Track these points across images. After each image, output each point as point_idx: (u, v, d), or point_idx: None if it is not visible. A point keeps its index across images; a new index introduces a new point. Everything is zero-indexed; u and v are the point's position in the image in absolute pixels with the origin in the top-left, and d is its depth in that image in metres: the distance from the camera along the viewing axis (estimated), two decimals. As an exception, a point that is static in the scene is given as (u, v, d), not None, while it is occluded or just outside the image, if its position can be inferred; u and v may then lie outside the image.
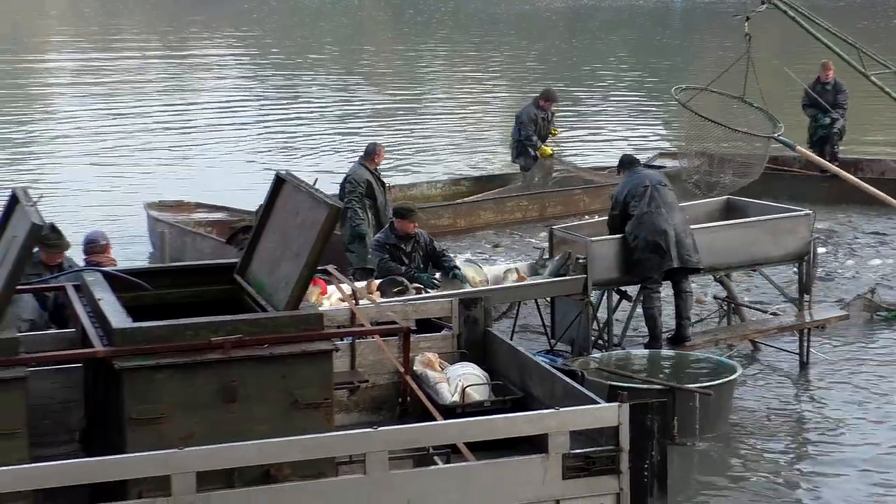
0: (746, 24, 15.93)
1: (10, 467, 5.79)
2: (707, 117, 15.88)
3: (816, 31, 16.60)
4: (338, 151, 25.75)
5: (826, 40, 16.55)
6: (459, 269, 12.51)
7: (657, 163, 20.96)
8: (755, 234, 13.07)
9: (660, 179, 12.95)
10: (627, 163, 13.23)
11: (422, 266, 12.64)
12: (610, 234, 12.64)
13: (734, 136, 15.66)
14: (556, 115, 20.74)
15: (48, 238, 10.34)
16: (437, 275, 12.51)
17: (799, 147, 16.72)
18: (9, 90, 36.26)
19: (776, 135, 15.89)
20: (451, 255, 13.04)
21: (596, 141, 27.27)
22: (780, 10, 16.27)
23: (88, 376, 7.15)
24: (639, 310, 12.83)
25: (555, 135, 20.28)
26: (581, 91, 34.90)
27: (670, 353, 12.15)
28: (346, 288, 9.04)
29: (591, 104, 32.91)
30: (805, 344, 13.10)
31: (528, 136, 19.71)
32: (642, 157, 22.60)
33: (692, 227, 12.70)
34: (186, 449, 5.88)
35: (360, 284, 11.53)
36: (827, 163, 17.82)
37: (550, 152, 20.06)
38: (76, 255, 11.43)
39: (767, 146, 16.00)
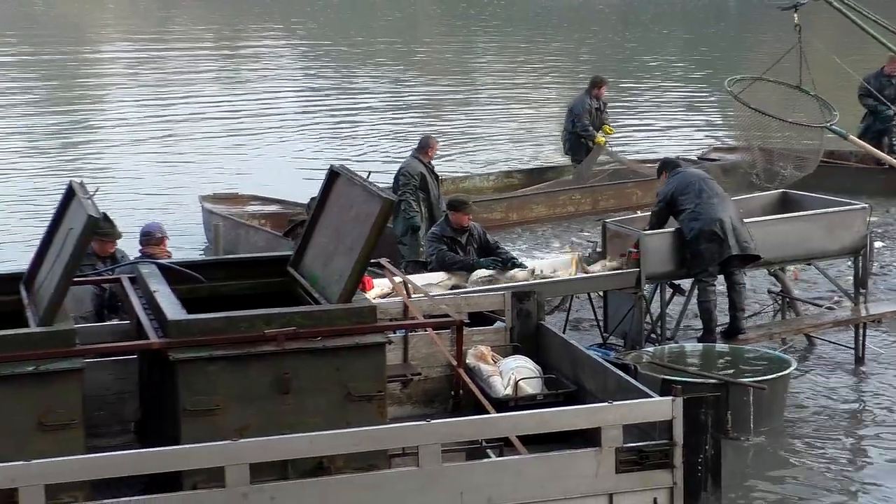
0: (796, 15, 15.87)
1: (67, 458, 5.83)
2: (758, 109, 15.83)
3: (864, 24, 16.51)
4: (391, 144, 25.77)
5: (873, 32, 16.44)
6: (518, 260, 12.61)
7: (712, 156, 20.87)
8: (811, 227, 12.98)
9: (705, 175, 12.94)
10: (669, 165, 13.22)
11: (476, 258, 12.67)
12: (654, 229, 12.59)
13: (787, 126, 15.60)
14: (607, 105, 20.60)
15: (100, 227, 10.41)
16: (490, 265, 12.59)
17: (852, 136, 16.63)
18: (65, 81, 36.53)
19: (829, 124, 15.81)
20: (506, 248, 13.05)
21: (648, 134, 27.16)
22: (828, 2, 16.18)
23: (143, 368, 7.21)
24: (692, 303, 12.78)
25: (609, 133, 20.18)
26: (634, 83, 34.77)
27: (724, 347, 12.09)
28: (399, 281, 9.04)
29: (644, 97, 32.77)
30: (861, 338, 13.00)
31: (584, 128, 19.60)
32: (696, 150, 22.62)
33: (747, 220, 12.64)
34: (240, 440, 5.91)
35: (413, 277, 11.54)
36: (881, 153, 17.66)
37: (604, 141, 19.98)
38: (132, 245, 11.51)
39: (822, 136, 15.90)
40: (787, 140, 15.86)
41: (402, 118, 29.46)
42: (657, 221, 12.67)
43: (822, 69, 20.61)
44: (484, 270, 12.36)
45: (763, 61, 16.78)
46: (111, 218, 10.83)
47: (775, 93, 16.11)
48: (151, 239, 11.20)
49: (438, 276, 12.36)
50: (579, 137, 19.69)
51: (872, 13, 16.79)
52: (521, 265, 12.49)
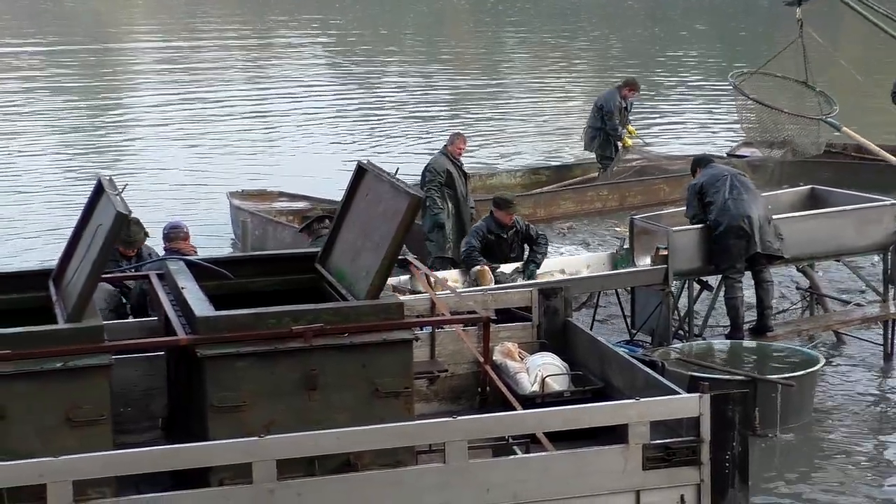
0: (798, 10, 15.93)
1: (95, 454, 5.85)
2: (756, 99, 15.95)
3: (878, 20, 16.56)
4: (420, 140, 25.78)
5: (885, 26, 16.47)
6: (536, 266, 12.76)
7: (741, 152, 20.79)
8: (840, 223, 12.93)
9: (737, 171, 12.92)
10: (702, 161, 13.20)
11: (518, 253, 12.99)
12: (689, 224, 12.57)
13: (784, 117, 15.74)
14: (634, 105, 20.59)
15: (129, 227, 10.44)
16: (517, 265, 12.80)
17: (845, 128, 16.75)
18: (94, 77, 36.66)
19: (825, 117, 15.93)
20: (545, 242, 13.07)
21: (676, 130, 27.11)
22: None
23: (171, 364, 7.22)
24: (719, 300, 12.75)
25: (633, 134, 20.18)
26: (662, 79, 34.71)
27: (752, 343, 12.06)
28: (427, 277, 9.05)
29: (673, 92, 32.72)
30: (890, 335, 12.94)
31: (614, 127, 19.57)
32: (725, 146, 22.56)
33: (776, 216, 12.60)
34: (267, 437, 5.92)
35: (441, 274, 11.55)
36: (874, 146, 17.64)
37: (630, 143, 20.00)
38: (158, 241, 11.53)
39: (819, 126, 16.04)
40: (784, 128, 16.06)
41: (431, 114, 29.48)
42: (692, 213, 12.62)
43: (851, 70, 20.66)
44: (511, 265, 12.48)
45: (788, 56, 16.81)
46: (138, 220, 10.82)
47: (780, 88, 16.23)
48: (179, 233, 11.21)
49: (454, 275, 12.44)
50: (608, 135, 19.65)
51: (883, 7, 16.85)
52: (531, 274, 12.62)
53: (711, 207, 12.41)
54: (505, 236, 13.00)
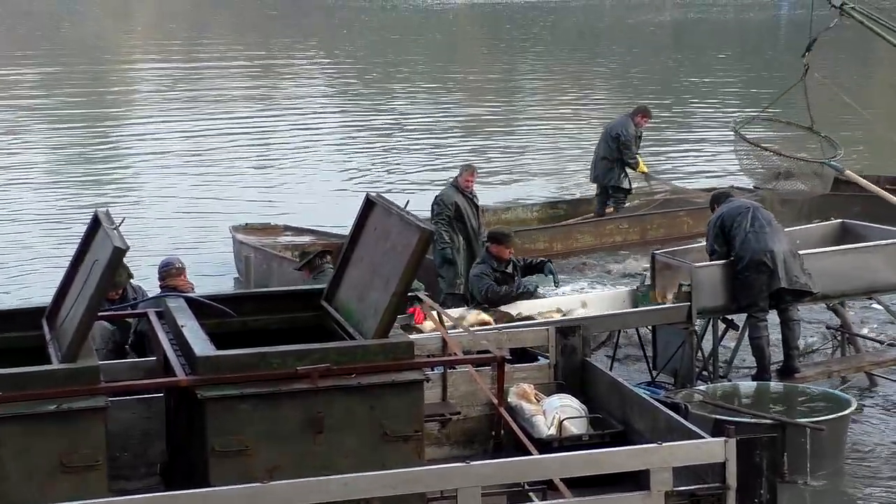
0: (807, 55, 16.22)
1: (89, 501, 5.83)
2: (756, 143, 16.23)
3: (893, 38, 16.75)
4: (431, 171, 25.80)
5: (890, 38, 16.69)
6: (551, 262, 13.20)
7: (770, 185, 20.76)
8: (871, 259, 12.90)
9: (757, 204, 12.94)
10: (720, 198, 13.26)
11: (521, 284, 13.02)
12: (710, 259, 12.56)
13: (789, 161, 16.06)
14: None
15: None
16: (534, 277, 13.20)
17: (848, 172, 17.11)
18: (91, 105, 36.77)
19: (828, 160, 16.24)
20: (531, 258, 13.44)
21: (698, 159, 27.11)
22: (856, 18, 16.44)
23: (170, 406, 7.21)
24: (746, 340, 12.71)
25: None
26: (685, 107, 34.75)
27: (780, 385, 12.02)
28: (438, 315, 9.04)
29: (695, 120, 32.74)
30: (925, 377, 12.91)
31: (633, 158, 19.43)
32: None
33: (805, 251, 12.58)
34: (271, 483, 5.90)
35: (453, 312, 11.54)
36: (878, 189, 17.83)
37: (647, 170, 19.99)
38: (154, 276, 11.51)
39: (822, 170, 16.32)
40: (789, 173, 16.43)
41: (443, 144, 29.51)
42: (711, 247, 12.61)
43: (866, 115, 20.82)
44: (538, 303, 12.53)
45: (815, 83, 16.98)
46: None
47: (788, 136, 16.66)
48: (171, 269, 11.19)
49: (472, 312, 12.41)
50: (625, 165, 19.48)
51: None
52: (550, 269, 13.02)
53: (733, 242, 12.40)
54: (507, 271, 12.99)
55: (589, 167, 20.21)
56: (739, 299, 12.36)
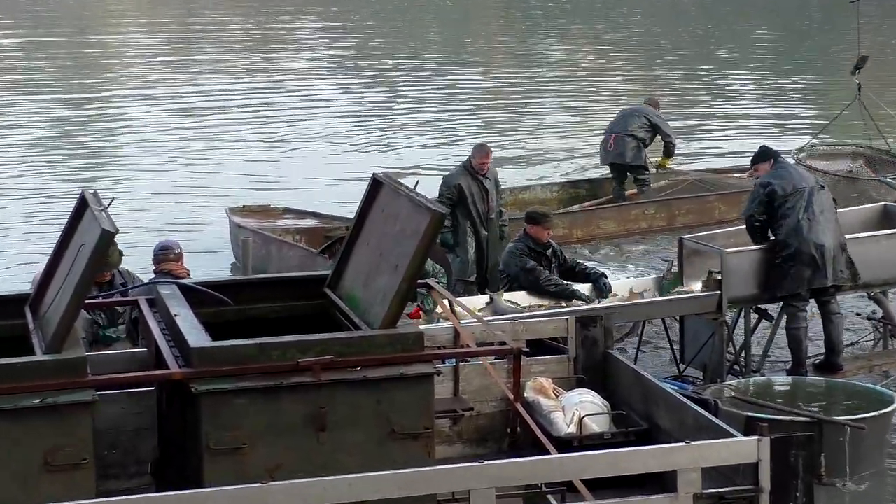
0: (857, 72, 16.35)
1: (75, 503, 5.85)
2: (810, 165, 16.53)
3: None
4: (443, 150, 25.79)
5: None
6: (606, 277, 12.76)
7: (810, 163, 20.76)
8: (917, 245, 12.89)
9: (815, 180, 12.81)
10: (769, 155, 13.01)
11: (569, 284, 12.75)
12: (751, 238, 12.48)
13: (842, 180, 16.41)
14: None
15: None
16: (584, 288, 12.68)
17: None
18: (82, 80, 36.79)
19: (885, 177, 16.59)
20: (583, 263, 13.06)
21: (728, 137, 27.08)
22: None
23: (162, 401, 7.23)
24: (780, 331, 12.70)
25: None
26: (713, 83, 34.69)
27: (817, 380, 12.01)
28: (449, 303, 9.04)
29: (729, 93, 32.71)
30: (974, 371, 12.90)
31: (672, 140, 19.63)
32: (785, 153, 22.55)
33: (846, 235, 12.57)
34: (270, 483, 5.91)
35: (465, 300, 11.55)
36: None
37: (669, 164, 20.04)
38: (147, 262, 11.52)
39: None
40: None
41: (456, 119, 29.49)
42: (757, 229, 12.52)
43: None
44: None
45: (850, 51, 17.10)
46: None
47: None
48: (170, 254, 11.19)
49: (519, 297, 12.37)
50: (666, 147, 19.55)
51: None
52: (606, 287, 12.61)
53: (781, 223, 12.31)
54: (546, 254, 12.84)
55: (608, 144, 19.81)
56: (777, 289, 12.33)
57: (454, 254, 15.19)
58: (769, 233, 12.53)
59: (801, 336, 12.41)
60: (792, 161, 16.84)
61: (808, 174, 12.98)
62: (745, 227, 12.81)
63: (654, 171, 20.18)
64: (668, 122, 20.20)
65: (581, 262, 13.13)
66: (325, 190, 21.79)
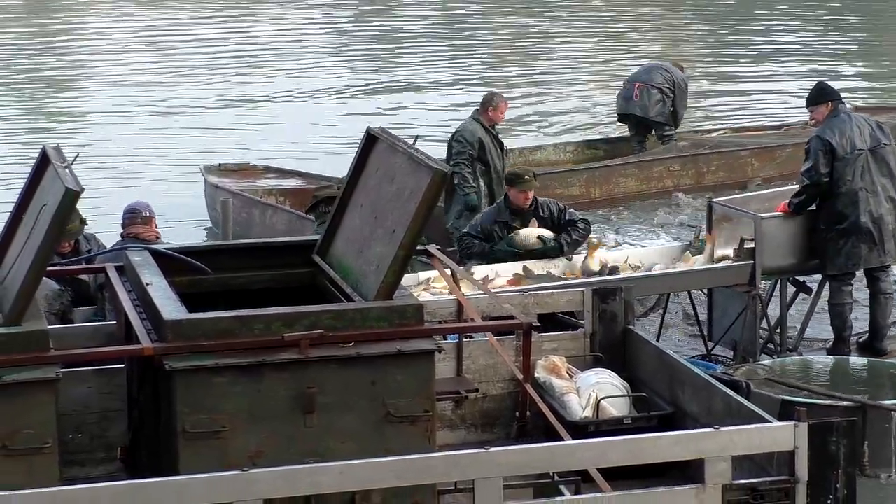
0: None
1: (36, 491, 5.87)
2: None
3: None
4: (444, 104, 25.75)
5: None
6: (565, 240, 12.52)
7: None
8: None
9: (878, 137, 12.60)
10: (828, 95, 12.82)
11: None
12: (805, 201, 12.44)
13: None
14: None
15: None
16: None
17: None
18: (34, 23, 36.72)
19: None
20: (585, 227, 12.87)
21: (763, 97, 27.04)
22: None
23: (133, 379, 7.25)
24: (820, 305, 12.72)
25: None
26: (746, 40, 34.58)
27: (861, 361, 12.03)
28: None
29: (758, 56, 32.61)
30: None
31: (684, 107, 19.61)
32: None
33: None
34: (253, 470, 5.93)
35: (475, 270, 11.57)
36: None
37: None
38: (114, 228, 11.53)
39: None
40: None
41: (457, 73, 29.42)
42: (812, 195, 12.41)
43: None
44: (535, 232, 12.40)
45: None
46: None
47: None
48: (137, 217, 11.21)
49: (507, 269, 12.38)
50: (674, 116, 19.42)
51: None
52: (547, 240, 12.50)
53: (836, 189, 12.24)
54: (515, 225, 12.70)
55: (630, 93, 19.49)
56: (828, 266, 12.29)
57: (461, 220, 15.15)
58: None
59: (846, 313, 12.42)
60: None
61: (868, 127, 12.65)
62: (781, 189, 12.73)
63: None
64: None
65: (577, 223, 12.69)
66: (310, 146, 21.78)
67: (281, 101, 26.47)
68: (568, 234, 12.50)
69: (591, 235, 12.75)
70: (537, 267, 12.28)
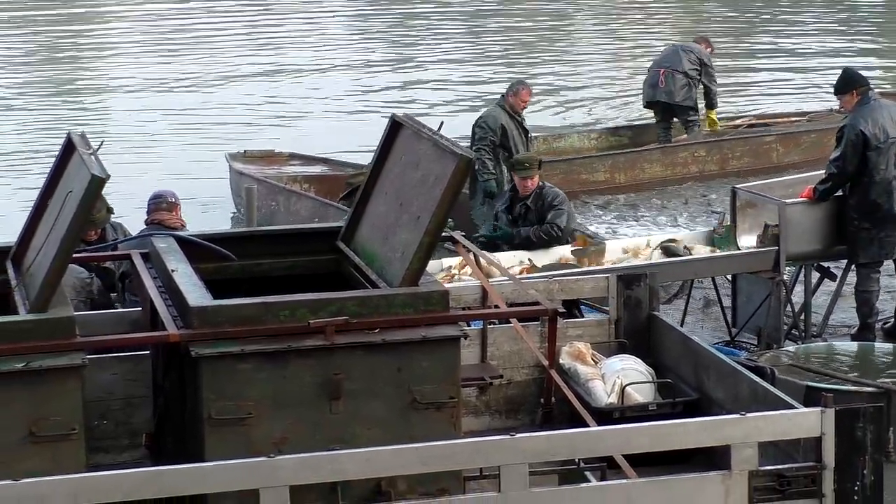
0: None
1: (63, 477, 5.87)
2: None
3: None
4: (468, 90, 25.73)
5: None
6: (533, 233, 12.68)
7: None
8: None
9: None
10: (855, 83, 12.74)
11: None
12: (831, 188, 12.37)
13: None
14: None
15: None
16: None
17: None
18: (59, 11, 36.77)
19: None
20: (561, 220, 12.85)
21: (787, 84, 26.99)
22: None
23: (158, 366, 7.25)
24: (845, 291, 12.69)
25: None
26: (774, 25, 34.51)
27: (886, 346, 12.00)
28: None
29: (785, 41, 32.53)
30: None
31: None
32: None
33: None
34: (278, 457, 5.93)
35: (495, 256, 11.56)
36: None
37: (716, 117, 19.87)
38: (140, 217, 11.55)
39: None
40: None
41: (481, 58, 29.40)
42: (845, 164, 12.30)
43: None
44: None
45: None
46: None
47: None
48: (162, 203, 11.25)
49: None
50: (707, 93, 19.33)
51: None
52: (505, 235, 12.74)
53: (867, 179, 12.18)
54: (514, 211, 12.93)
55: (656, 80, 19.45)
56: (859, 255, 12.26)
57: (483, 208, 15.17)
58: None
59: (874, 299, 12.41)
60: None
61: None
62: (823, 173, 12.57)
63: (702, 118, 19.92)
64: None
65: (556, 215, 12.84)
66: (336, 133, 21.77)
67: (313, 84, 26.45)
68: (539, 231, 12.69)
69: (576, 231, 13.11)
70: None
